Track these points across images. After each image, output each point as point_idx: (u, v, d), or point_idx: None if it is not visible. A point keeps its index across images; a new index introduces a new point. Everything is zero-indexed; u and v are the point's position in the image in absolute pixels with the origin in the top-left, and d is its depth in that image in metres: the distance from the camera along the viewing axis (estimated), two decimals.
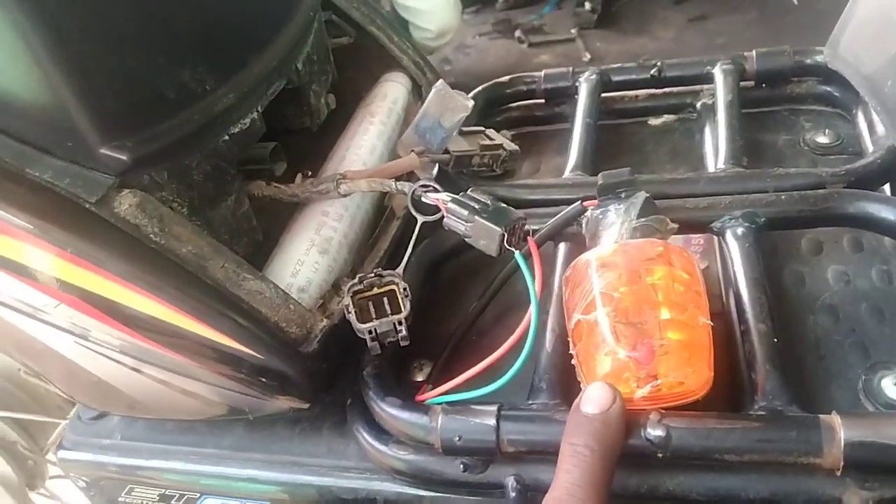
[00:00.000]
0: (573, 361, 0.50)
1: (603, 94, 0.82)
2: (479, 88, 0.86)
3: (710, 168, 0.72)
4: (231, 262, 0.52)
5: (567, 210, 0.58)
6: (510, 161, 0.78)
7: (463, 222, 0.52)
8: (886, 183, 0.65)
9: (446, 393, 0.53)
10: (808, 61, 0.77)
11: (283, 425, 0.61)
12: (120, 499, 0.67)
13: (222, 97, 0.54)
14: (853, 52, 0.71)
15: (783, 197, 0.61)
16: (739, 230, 0.60)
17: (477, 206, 0.52)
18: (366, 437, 0.55)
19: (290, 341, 0.54)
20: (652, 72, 0.81)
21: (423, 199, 0.56)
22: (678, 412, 0.47)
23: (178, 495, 0.64)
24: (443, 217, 0.54)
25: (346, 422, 0.58)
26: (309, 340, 0.55)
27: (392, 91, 0.78)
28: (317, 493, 0.58)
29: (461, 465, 0.52)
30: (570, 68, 0.84)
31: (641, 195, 0.53)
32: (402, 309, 0.53)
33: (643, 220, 0.52)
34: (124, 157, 0.48)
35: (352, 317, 0.53)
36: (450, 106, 0.67)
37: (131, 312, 0.50)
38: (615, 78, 0.83)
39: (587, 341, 0.48)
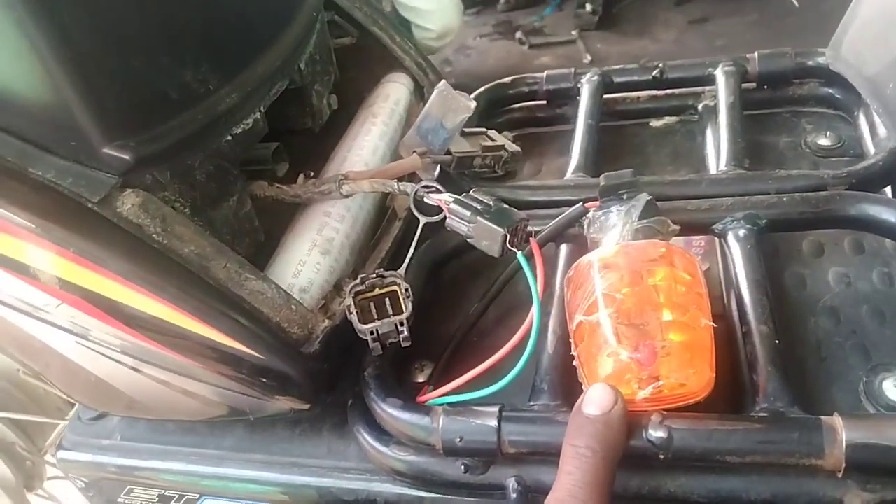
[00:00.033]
0: (575, 363, 0.50)
1: (605, 96, 0.82)
2: (481, 89, 0.85)
3: (712, 170, 0.72)
4: (233, 263, 0.52)
5: (569, 211, 0.58)
6: (512, 162, 0.78)
7: (465, 223, 0.52)
8: (888, 185, 0.64)
9: (447, 394, 0.53)
10: (810, 63, 0.77)
11: (283, 426, 0.61)
12: (119, 500, 0.67)
13: (225, 97, 0.54)
14: (855, 54, 0.71)
15: (785, 199, 0.61)
16: (741, 232, 0.60)
17: (479, 207, 0.52)
18: (366, 438, 0.55)
19: (291, 342, 0.54)
20: (654, 73, 0.81)
21: (425, 200, 0.56)
22: (680, 414, 0.47)
23: (177, 496, 0.64)
24: (445, 218, 0.54)
25: (346, 423, 0.58)
26: (310, 341, 0.55)
27: (394, 92, 0.78)
28: (317, 495, 0.58)
29: (462, 467, 0.52)
30: (572, 69, 0.84)
31: (643, 197, 0.53)
32: (404, 310, 0.53)
33: (645, 221, 0.52)
34: (127, 157, 0.48)
35: (353, 317, 0.53)
36: (452, 107, 0.68)
37: (133, 312, 0.50)
38: (617, 79, 0.83)
39: (589, 342, 0.48)
